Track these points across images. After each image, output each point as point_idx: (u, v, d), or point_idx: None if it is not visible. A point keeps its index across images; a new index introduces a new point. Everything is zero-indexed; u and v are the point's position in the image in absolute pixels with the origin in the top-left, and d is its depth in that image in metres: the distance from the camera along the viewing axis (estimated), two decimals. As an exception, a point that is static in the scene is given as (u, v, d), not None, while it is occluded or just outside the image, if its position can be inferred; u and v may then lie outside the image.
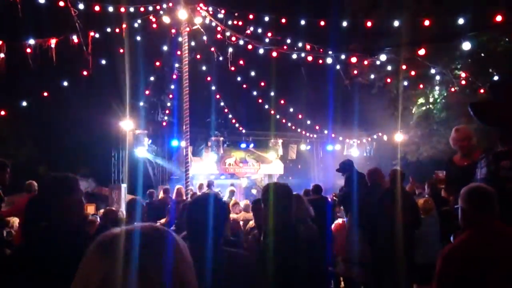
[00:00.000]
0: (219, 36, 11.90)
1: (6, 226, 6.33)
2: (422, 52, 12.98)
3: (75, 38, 10.60)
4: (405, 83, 13.81)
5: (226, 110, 13.40)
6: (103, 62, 11.23)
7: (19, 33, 10.61)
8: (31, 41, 10.51)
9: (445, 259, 2.54)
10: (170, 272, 0.91)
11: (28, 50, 10.53)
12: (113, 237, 0.94)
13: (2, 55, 10.18)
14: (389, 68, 13.37)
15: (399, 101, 14.24)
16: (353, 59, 12.78)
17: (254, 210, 4.50)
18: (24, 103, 10.72)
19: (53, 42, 10.58)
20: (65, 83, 10.86)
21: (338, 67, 12.93)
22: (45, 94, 10.75)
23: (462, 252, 2.50)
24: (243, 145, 14.79)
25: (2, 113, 10.48)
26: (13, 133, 12.18)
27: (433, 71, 13.64)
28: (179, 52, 11.53)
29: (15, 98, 10.74)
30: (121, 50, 11.03)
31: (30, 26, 10.85)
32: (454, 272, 2.46)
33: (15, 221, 6.29)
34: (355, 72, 13.63)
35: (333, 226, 6.38)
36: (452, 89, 14.12)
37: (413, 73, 13.49)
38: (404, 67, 13.28)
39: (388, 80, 13.96)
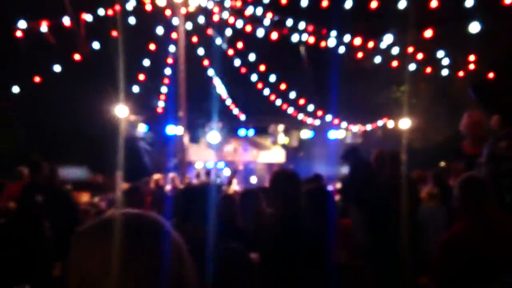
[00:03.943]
0: (216, 18, 11.52)
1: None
2: (429, 34, 12.50)
3: (67, 21, 10.30)
4: (412, 67, 13.34)
5: (224, 96, 13.04)
6: (97, 46, 10.91)
7: (9, 16, 10.32)
8: (22, 24, 10.23)
9: (440, 247, 2.61)
10: (165, 257, 0.90)
11: (19, 33, 10.26)
12: (108, 222, 0.95)
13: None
14: (395, 51, 12.90)
15: (405, 86, 13.80)
16: (357, 41, 12.35)
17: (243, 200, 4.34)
18: (16, 89, 10.48)
19: (44, 24, 10.29)
20: (58, 68, 10.56)
21: (341, 50, 12.52)
22: (37, 79, 10.49)
23: (456, 240, 2.57)
24: (243, 132, 14.39)
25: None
26: (5, 119, 11.99)
27: (440, 54, 13.16)
28: (175, 36, 11.18)
29: (7, 83, 10.49)
30: (115, 34, 10.70)
31: (20, 8, 10.57)
32: (449, 259, 2.53)
33: (12, 205, 6.27)
34: (360, 55, 13.15)
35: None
36: (460, 73, 13.65)
37: (420, 56, 13.04)
38: (410, 50, 12.84)
39: (394, 64, 13.48)
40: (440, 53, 13.22)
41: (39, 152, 10.96)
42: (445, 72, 13.69)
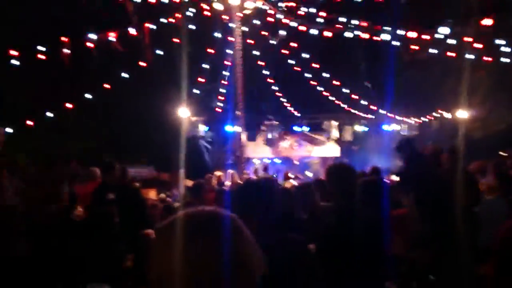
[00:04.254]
0: (271, 19, 11.78)
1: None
2: (487, 22, 12.15)
3: (132, 31, 10.93)
4: (470, 56, 12.98)
5: (279, 94, 13.36)
6: (160, 52, 11.50)
7: (81, 29, 11.10)
8: (93, 36, 10.96)
9: (501, 238, 2.42)
10: (229, 253, 0.93)
11: (91, 45, 11.01)
12: (183, 220, 0.97)
13: (68, 51, 10.74)
14: (452, 41, 12.61)
15: (463, 76, 13.47)
16: (413, 34, 12.19)
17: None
18: (88, 95, 11.27)
19: (112, 35, 10.98)
20: (126, 75, 11.27)
21: (396, 43, 12.42)
22: (107, 86, 11.24)
23: None
24: (297, 128, 14.70)
25: (69, 105, 11.11)
26: (79, 124, 12.92)
27: (500, 42, 12.72)
28: (232, 38, 11.55)
29: (80, 91, 11.31)
30: (177, 40, 11.23)
31: (90, 21, 11.32)
32: (508, 251, 2.33)
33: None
34: (415, 48, 12.97)
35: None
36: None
37: (478, 45, 12.68)
38: (468, 39, 12.51)
39: (451, 54, 13.18)
40: (500, 41, 12.78)
41: (110, 153, 11.81)
42: (505, 60, 13.22)
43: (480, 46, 12.65)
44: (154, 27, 10.97)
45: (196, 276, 0.90)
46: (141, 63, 11.25)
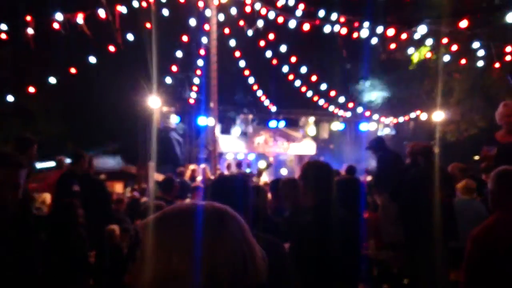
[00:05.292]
0: (248, 9, 11.48)
1: (35, 201, 6.40)
2: (464, 24, 12.20)
3: (102, 13, 10.43)
4: (446, 58, 13.03)
5: (255, 87, 13.05)
6: (131, 38, 11.04)
7: (47, 8, 10.55)
8: (59, 17, 10.42)
9: (473, 242, 2.55)
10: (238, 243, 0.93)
11: (56, 25, 10.46)
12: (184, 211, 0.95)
13: (31, 31, 10.16)
14: (428, 42, 12.63)
15: (438, 78, 13.50)
16: (390, 32, 12.12)
17: (273, 190, 4.34)
18: (53, 79, 10.72)
19: (80, 17, 10.45)
20: (93, 59, 10.76)
21: (374, 41, 12.32)
22: (73, 70, 10.71)
23: (489, 234, 2.50)
24: (273, 124, 14.42)
25: (32, 89, 10.52)
26: (42, 109, 12.33)
27: (476, 45, 12.79)
28: (207, 27, 11.21)
29: (44, 74, 10.76)
30: (148, 26, 10.80)
31: (57, 1, 10.78)
32: (481, 254, 2.48)
33: (47, 196, 6.44)
34: (392, 46, 12.93)
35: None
36: (496, 65, 13.26)
37: (454, 47, 12.71)
38: (445, 40, 12.54)
39: (428, 55, 13.20)
40: (476, 44, 12.86)
41: (75, 141, 11.25)
42: (480, 63, 13.32)
43: (455, 48, 12.70)
44: (125, 10, 10.50)
45: (208, 273, 0.86)
46: (110, 48, 10.74)
